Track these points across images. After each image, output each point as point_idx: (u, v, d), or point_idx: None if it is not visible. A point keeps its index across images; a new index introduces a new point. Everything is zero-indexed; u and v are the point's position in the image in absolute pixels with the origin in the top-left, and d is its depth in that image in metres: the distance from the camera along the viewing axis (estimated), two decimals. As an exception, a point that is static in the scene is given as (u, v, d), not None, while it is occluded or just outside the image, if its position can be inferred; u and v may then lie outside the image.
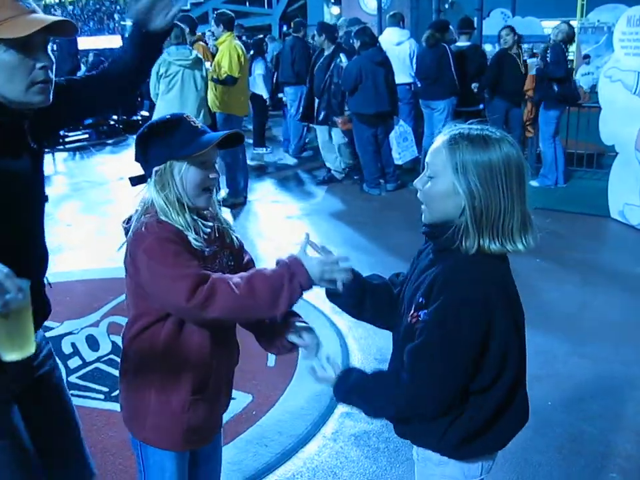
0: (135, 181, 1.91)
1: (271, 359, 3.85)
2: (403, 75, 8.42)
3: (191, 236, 1.83)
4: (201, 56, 7.00)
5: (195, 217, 1.88)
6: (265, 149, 10.67)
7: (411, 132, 7.98)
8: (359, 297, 1.90)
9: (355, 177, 8.29)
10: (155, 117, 6.76)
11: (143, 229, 1.80)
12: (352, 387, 1.77)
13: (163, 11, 2.04)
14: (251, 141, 10.46)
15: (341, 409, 3.44)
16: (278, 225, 6.85)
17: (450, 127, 1.69)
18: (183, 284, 1.71)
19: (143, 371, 1.94)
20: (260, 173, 9.25)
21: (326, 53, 8.01)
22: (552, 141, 7.74)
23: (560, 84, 7.42)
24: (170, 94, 6.71)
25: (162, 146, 1.84)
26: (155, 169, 1.85)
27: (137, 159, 1.92)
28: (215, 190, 1.94)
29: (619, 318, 4.51)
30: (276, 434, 3.23)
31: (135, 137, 1.93)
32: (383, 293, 1.93)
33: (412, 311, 1.72)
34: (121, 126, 12.51)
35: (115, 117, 12.50)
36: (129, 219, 1.90)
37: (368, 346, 4.11)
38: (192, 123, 1.86)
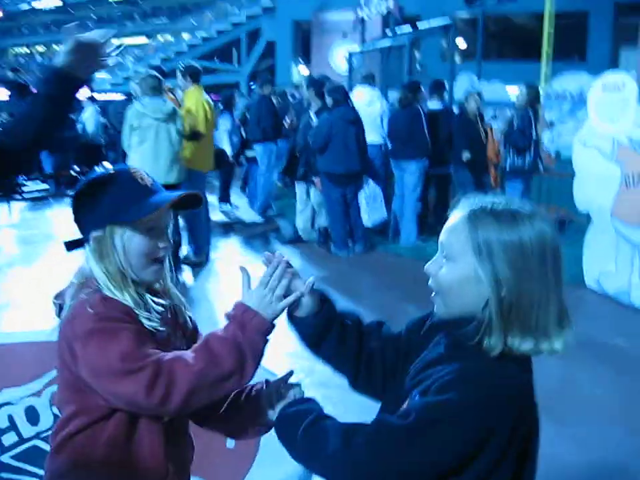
0: (71, 245, 1.59)
1: (230, 440, 3.48)
2: (373, 134, 8.28)
3: (143, 315, 1.51)
4: (177, 108, 6.71)
5: (143, 293, 1.56)
6: (229, 205, 10.40)
7: (380, 193, 7.83)
8: (322, 326, 1.58)
9: (321, 240, 8.02)
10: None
11: (87, 308, 1.46)
12: (298, 413, 1.48)
13: (98, 58, 1.88)
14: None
15: (309, 500, 3.07)
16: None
17: (468, 199, 1.41)
18: (139, 377, 1.38)
19: None
20: (224, 230, 8.94)
21: (313, 109, 7.80)
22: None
23: (520, 154, 7.37)
24: (143, 147, 6.33)
25: (100, 207, 1.53)
26: (93, 234, 1.54)
27: (74, 220, 1.60)
28: (166, 260, 1.62)
29: (601, 394, 4.25)
30: (234, 532, 2.84)
31: None
32: (353, 334, 1.61)
33: (404, 407, 1.43)
34: (82, 177, 12.13)
35: (76, 167, 12.15)
36: (62, 293, 1.57)
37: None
38: (139, 180, 1.55)
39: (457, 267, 1.37)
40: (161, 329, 1.55)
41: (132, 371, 1.39)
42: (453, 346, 1.42)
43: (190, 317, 1.72)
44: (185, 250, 7.25)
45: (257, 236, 8.81)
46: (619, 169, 5.93)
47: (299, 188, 8.12)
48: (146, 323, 1.51)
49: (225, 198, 10.41)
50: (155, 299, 1.58)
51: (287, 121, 10.44)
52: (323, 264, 7.28)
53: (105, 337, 1.43)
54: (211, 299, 6.01)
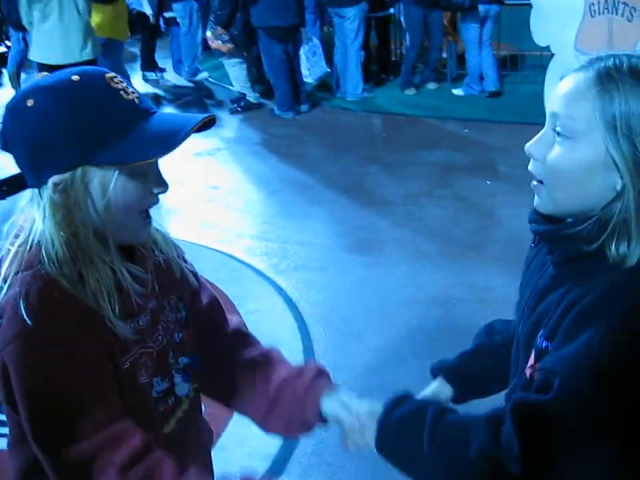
0: (7, 187, 1.06)
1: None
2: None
3: (113, 318, 1.03)
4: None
5: (121, 268, 1.06)
6: (155, 73, 9.54)
7: (319, 45, 7.19)
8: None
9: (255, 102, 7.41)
10: (35, 53, 5.55)
11: (19, 308, 0.97)
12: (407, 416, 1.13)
13: None
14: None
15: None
16: (186, 165, 5.95)
17: (593, 55, 1.02)
18: (81, 452, 0.99)
19: None
20: (153, 102, 8.13)
21: None
22: (476, 47, 7.13)
23: None
24: (47, 23, 5.39)
25: (65, 139, 0.98)
26: (54, 179, 1.00)
27: (4, 149, 1.05)
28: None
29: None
30: None
31: None
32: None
33: (530, 361, 1.08)
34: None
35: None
36: None
37: (328, 314, 3.46)
38: (122, 93, 1.01)
39: (579, 148, 1.01)
40: (134, 337, 1.07)
41: (78, 433, 0.99)
42: (565, 259, 1.07)
43: (190, 269, 1.26)
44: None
45: (190, 104, 8.10)
46: (582, -4, 5.48)
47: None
48: (120, 332, 1.04)
49: (150, 66, 9.49)
50: (135, 271, 1.09)
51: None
52: (268, 129, 6.73)
53: (41, 375, 0.99)
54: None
